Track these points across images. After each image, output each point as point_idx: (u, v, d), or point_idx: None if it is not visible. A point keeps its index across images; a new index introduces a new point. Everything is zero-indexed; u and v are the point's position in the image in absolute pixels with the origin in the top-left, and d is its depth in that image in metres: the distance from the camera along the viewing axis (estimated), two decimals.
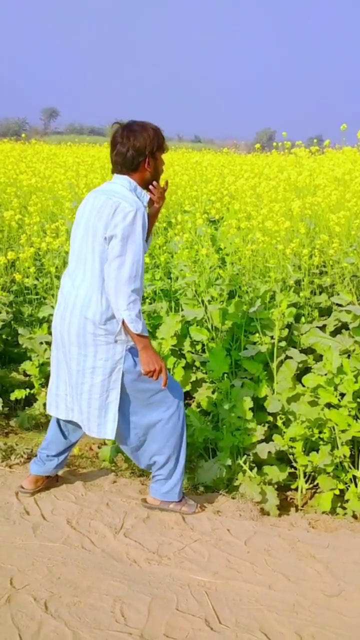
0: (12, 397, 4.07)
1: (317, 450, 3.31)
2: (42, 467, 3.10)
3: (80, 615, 2.26)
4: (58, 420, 3.07)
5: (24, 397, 4.09)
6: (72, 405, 2.91)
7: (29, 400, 4.22)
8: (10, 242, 5.43)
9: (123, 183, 2.78)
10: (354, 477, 3.30)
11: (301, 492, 3.44)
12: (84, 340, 2.77)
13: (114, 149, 2.77)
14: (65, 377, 2.91)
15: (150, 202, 2.89)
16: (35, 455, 3.18)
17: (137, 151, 2.73)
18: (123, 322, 2.69)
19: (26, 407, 4.21)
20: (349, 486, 3.26)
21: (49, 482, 3.17)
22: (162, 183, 2.93)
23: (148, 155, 2.75)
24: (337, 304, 3.97)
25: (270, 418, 3.63)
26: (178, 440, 2.95)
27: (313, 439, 3.35)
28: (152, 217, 2.92)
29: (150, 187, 2.84)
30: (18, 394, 4.04)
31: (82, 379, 2.83)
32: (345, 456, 3.25)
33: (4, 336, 4.48)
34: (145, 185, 2.82)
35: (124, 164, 2.76)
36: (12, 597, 2.33)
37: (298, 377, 3.66)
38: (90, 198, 2.82)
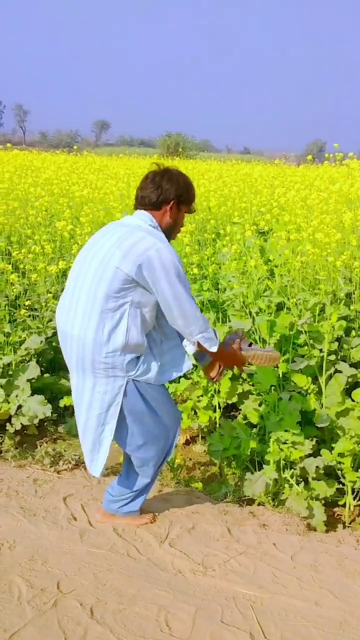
0: (61, 403, 4.14)
1: None
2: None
3: (126, 622, 2.28)
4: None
5: (72, 404, 4.16)
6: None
7: None
8: (62, 252, 5.55)
9: (144, 219, 2.69)
10: None
11: (349, 508, 3.38)
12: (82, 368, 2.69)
13: (144, 184, 2.72)
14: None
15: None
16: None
17: (166, 192, 2.67)
18: (198, 345, 2.66)
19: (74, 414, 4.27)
20: None
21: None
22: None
23: (174, 200, 2.68)
24: None
25: (319, 432, 3.58)
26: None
27: None
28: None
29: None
30: (67, 401, 4.11)
31: (79, 410, 2.79)
32: None
33: (54, 344, 4.57)
34: (162, 229, 2.71)
35: (149, 198, 2.68)
36: (58, 601, 2.37)
37: (347, 392, 3.60)
38: (109, 228, 2.72)
